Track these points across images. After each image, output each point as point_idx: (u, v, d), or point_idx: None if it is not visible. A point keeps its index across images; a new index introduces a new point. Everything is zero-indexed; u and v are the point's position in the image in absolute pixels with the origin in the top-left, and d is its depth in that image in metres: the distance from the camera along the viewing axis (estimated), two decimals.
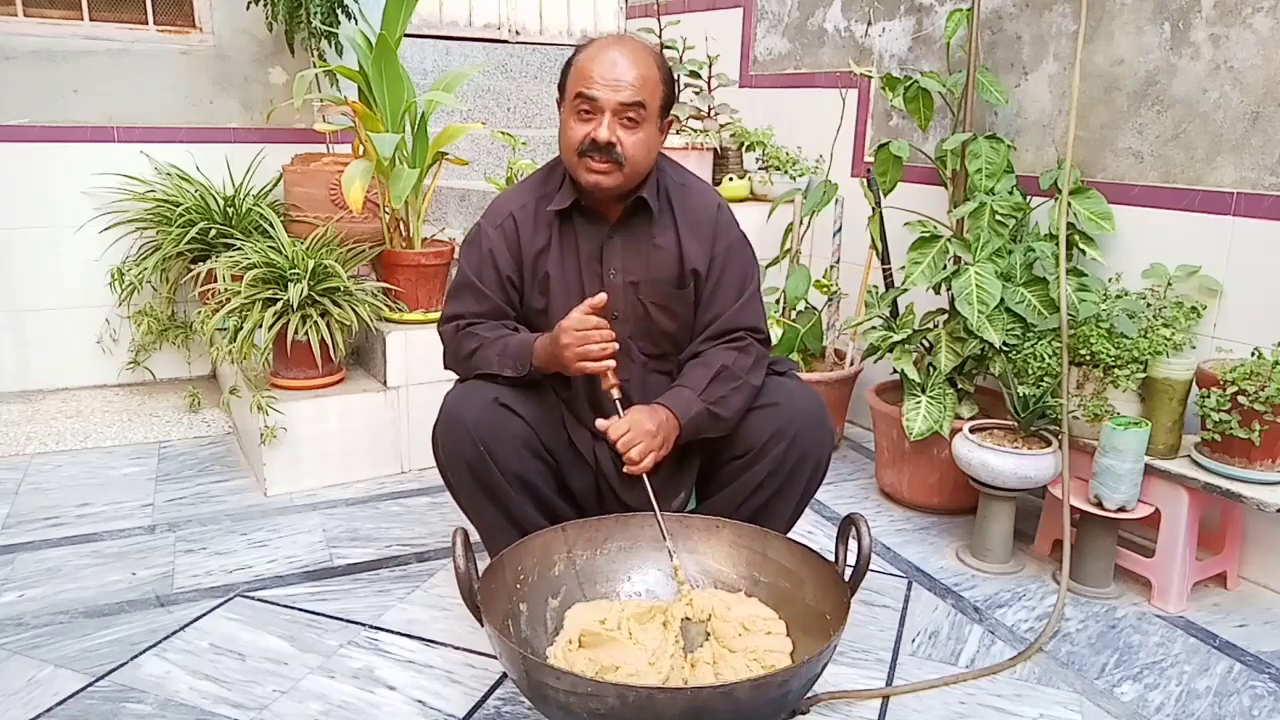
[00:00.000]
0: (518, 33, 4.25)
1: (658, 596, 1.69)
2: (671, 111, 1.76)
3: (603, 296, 1.64)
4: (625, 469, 1.63)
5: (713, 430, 1.72)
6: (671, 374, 1.80)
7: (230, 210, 3.08)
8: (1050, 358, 2.17)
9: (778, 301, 2.96)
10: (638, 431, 1.61)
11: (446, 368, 1.83)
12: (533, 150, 3.44)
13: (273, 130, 3.37)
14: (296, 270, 2.52)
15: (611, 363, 1.64)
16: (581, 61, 1.67)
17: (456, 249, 2.87)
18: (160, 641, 1.84)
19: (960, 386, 2.45)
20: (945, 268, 2.40)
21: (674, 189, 1.79)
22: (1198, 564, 2.11)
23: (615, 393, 1.66)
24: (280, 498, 2.55)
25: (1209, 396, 1.98)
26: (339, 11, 3.16)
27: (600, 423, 1.65)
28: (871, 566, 1.87)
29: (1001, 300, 2.27)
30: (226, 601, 2.00)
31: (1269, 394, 1.89)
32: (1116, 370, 2.07)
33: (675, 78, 1.80)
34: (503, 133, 2.94)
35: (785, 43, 3.42)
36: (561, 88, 1.73)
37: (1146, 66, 2.31)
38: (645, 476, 1.63)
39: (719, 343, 1.76)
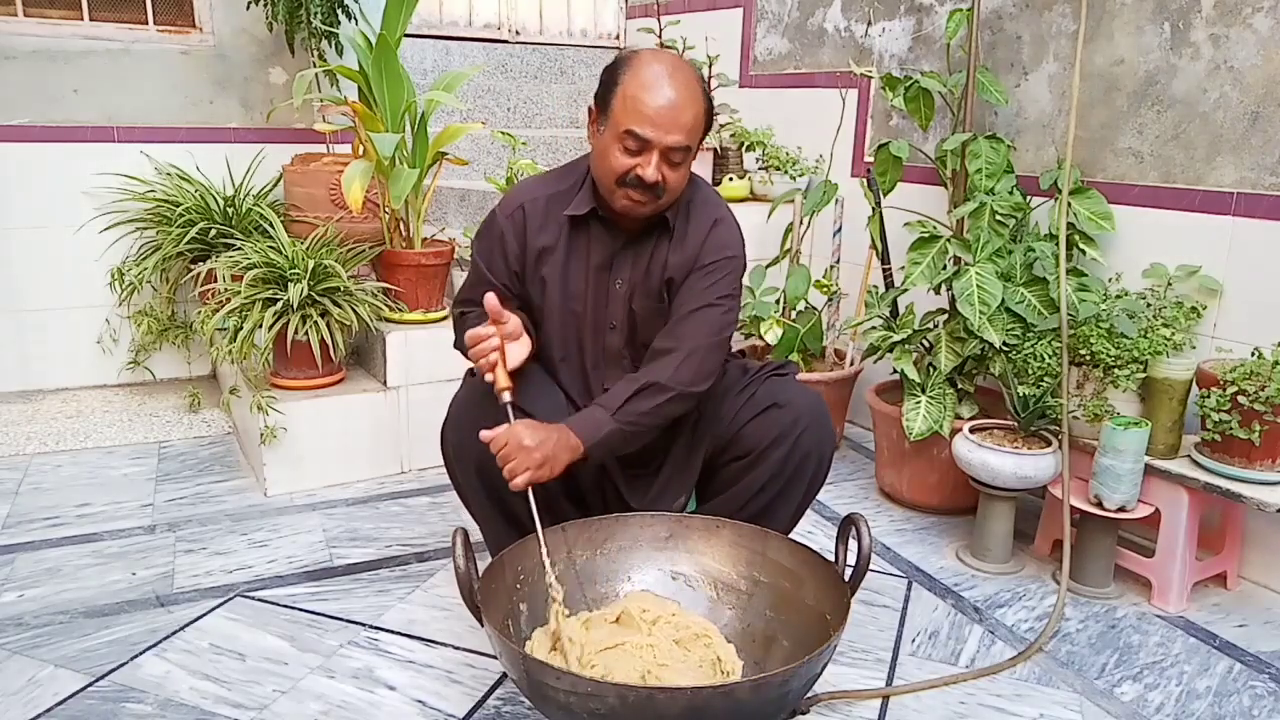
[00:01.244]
0: (518, 33, 4.25)
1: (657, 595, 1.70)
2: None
3: (490, 296, 1.59)
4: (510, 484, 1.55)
5: (632, 446, 1.68)
6: None
7: (230, 210, 3.08)
8: (1050, 358, 2.17)
9: (778, 302, 2.96)
10: (513, 446, 1.52)
11: (455, 347, 1.84)
12: (533, 150, 3.44)
13: (273, 130, 3.37)
14: (296, 270, 2.52)
15: (493, 360, 1.59)
16: (632, 91, 1.59)
17: (456, 249, 2.88)
18: (160, 641, 1.84)
19: (960, 386, 2.45)
20: (945, 268, 2.40)
21: (681, 203, 1.76)
22: (1198, 564, 2.11)
23: (506, 396, 1.59)
24: (280, 498, 2.54)
25: (1209, 396, 1.98)
26: (339, 11, 3.16)
27: (484, 434, 1.56)
28: (871, 566, 1.87)
29: (1002, 300, 2.27)
30: (226, 601, 2.00)
31: (1269, 394, 1.89)
32: (1116, 370, 2.07)
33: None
34: (503, 133, 2.94)
35: (785, 43, 3.42)
36: (601, 100, 1.65)
37: (1146, 66, 2.31)
38: (530, 490, 1.55)
39: (664, 349, 1.70)
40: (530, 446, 1.52)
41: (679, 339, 1.69)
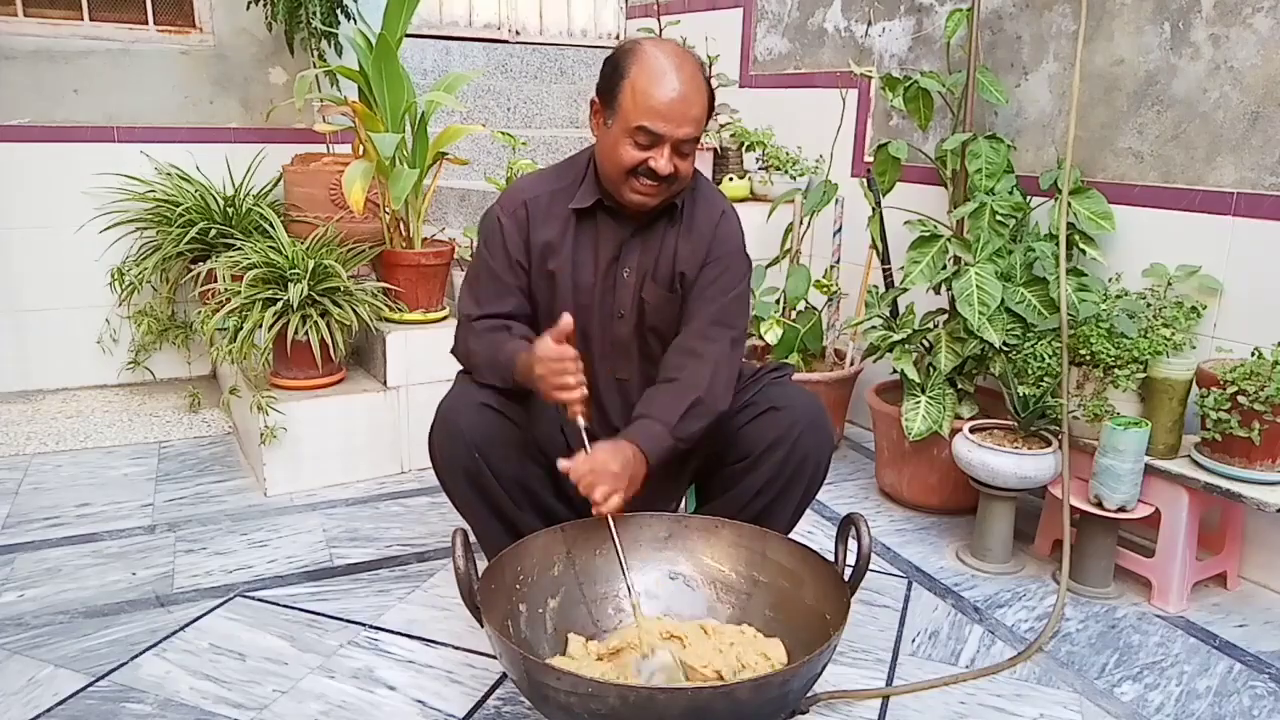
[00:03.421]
0: (518, 33, 4.25)
1: (656, 596, 1.70)
2: None
3: (568, 319, 1.58)
4: (593, 510, 1.54)
5: (671, 459, 1.69)
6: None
7: (230, 210, 3.08)
8: (1050, 358, 2.17)
9: (778, 302, 2.96)
10: (601, 473, 1.53)
11: (452, 353, 1.83)
12: (532, 150, 3.44)
13: (273, 130, 3.37)
14: (296, 270, 2.52)
15: (582, 392, 1.57)
16: (641, 85, 1.58)
17: (456, 249, 2.88)
18: (160, 641, 1.84)
19: (960, 386, 2.45)
20: (945, 268, 2.40)
21: (686, 193, 1.77)
22: (1198, 564, 2.11)
23: (581, 421, 1.57)
24: (280, 498, 2.54)
25: (1209, 396, 1.98)
26: (339, 11, 3.16)
27: (562, 464, 1.55)
28: (871, 566, 1.87)
29: (1002, 300, 2.27)
30: (226, 601, 2.00)
31: (1269, 394, 1.89)
32: (1116, 370, 2.07)
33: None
34: (503, 133, 2.94)
35: (785, 43, 3.42)
36: (605, 94, 1.64)
37: (1146, 66, 2.31)
38: (610, 517, 1.55)
39: (692, 351, 1.71)
40: (617, 471, 1.54)
41: (703, 344, 1.71)
